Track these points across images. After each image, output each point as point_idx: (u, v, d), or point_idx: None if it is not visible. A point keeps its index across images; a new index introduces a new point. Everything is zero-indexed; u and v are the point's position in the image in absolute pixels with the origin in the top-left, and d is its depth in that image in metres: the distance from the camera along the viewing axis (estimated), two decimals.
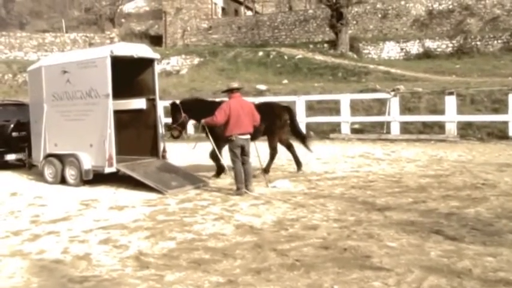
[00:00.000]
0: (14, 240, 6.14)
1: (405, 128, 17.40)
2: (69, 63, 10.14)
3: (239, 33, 39.07)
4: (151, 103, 10.62)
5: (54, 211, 7.68)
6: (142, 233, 6.29)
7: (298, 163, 10.65)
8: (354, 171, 10.71)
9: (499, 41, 29.80)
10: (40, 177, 10.58)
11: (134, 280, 4.72)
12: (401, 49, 31.76)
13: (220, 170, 10.12)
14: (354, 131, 18.09)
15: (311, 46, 32.98)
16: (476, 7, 32.74)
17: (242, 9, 45.73)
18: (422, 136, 16.61)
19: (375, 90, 19.55)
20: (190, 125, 14.93)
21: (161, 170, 9.82)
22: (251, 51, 32.02)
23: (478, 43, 30.15)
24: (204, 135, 9.75)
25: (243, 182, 8.53)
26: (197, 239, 5.95)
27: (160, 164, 10.11)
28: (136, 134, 10.68)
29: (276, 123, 10.22)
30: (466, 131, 16.53)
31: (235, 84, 8.85)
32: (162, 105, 10.90)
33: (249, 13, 44.37)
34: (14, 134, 12.80)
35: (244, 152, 8.58)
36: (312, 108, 19.76)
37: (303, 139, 10.88)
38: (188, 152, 10.84)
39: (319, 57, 29.70)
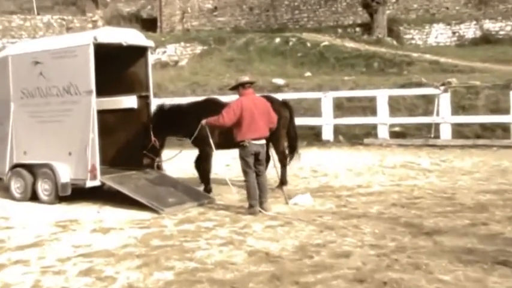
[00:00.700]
0: None
1: (458, 131, 17.28)
2: (42, 52, 10.23)
3: (251, 15, 39.22)
4: (144, 101, 10.68)
5: (22, 235, 7.70)
6: (132, 261, 6.29)
7: (283, 180, 10.60)
8: (395, 185, 10.68)
9: None
10: (5, 192, 10.64)
11: None
12: (454, 33, 31.60)
13: (208, 189, 10.26)
14: (394, 135, 18.02)
15: (339, 31, 32.96)
16: None
17: None
18: (481, 141, 16.48)
19: (419, 85, 19.45)
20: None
21: (156, 184, 9.84)
22: (266, 37, 32.10)
23: None
24: (188, 139, 9.93)
25: (257, 199, 8.51)
26: (200, 268, 5.95)
27: (155, 176, 10.14)
28: (125, 140, 10.75)
29: (278, 122, 10.24)
30: None
31: (246, 78, 8.86)
32: (157, 103, 10.93)
33: None
34: None
35: (258, 161, 8.58)
36: (341, 107, 19.72)
37: (293, 144, 10.93)
38: (189, 159, 10.85)
39: (349, 44, 29.66)
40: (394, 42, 30.78)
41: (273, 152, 10.19)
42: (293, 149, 10.91)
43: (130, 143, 10.64)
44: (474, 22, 31.36)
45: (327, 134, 18.53)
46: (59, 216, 8.81)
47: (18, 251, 6.92)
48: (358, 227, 7.50)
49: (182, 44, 33.58)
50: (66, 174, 9.74)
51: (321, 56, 28.46)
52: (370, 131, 18.37)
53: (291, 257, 6.23)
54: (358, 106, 19.83)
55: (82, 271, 6.02)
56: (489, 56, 26.86)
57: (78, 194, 9.91)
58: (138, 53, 10.60)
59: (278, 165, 10.45)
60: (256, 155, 8.51)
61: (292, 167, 11.22)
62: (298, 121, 19.17)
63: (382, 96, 18.07)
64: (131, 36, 10.39)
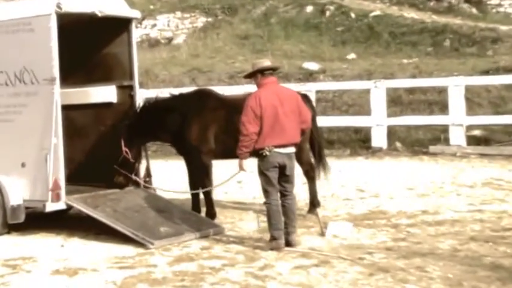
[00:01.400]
0: None
1: None
2: None
3: None
4: (126, 93, 10.72)
5: None
6: None
7: (313, 200, 10.69)
8: (475, 211, 10.58)
9: None
10: None
11: None
12: None
13: (211, 215, 10.40)
14: (473, 140, 17.91)
15: None
16: None
17: None
18: None
19: (510, 71, 19.31)
20: None
21: (142, 207, 9.86)
22: (293, 4, 32.15)
23: None
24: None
25: (281, 228, 8.49)
26: None
27: (142, 197, 10.16)
28: (100, 146, 10.79)
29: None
30: None
31: (266, 62, 8.84)
32: (144, 96, 11.00)
33: None
34: None
35: (285, 177, 8.56)
36: (398, 101, 19.67)
37: (320, 151, 11.03)
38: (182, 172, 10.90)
39: (410, 13, 29.56)
40: (474, 11, 30.59)
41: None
42: (321, 158, 10.98)
43: (107, 150, 10.60)
44: None
45: (379, 139, 18.47)
46: (8, 252, 8.79)
47: None
48: (423, 269, 7.40)
49: (178, 14, 33.70)
50: (18, 193, 9.76)
51: (370, 30, 28.43)
52: (439, 135, 18.27)
53: None
54: (422, 100, 19.77)
55: None
56: None
57: (35, 221, 9.95)
58: (118, 26, 10.64)
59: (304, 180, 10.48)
60: (282, 169, 8.48)
61: (330, 184, 11.19)
62: (339, 121, 19.59)
63: (456, 86, 17.97)
64: (108, 4, 10.42)
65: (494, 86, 18.91)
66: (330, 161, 11.51)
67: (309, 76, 22.50)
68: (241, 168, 8.61)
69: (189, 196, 10.73)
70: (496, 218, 10.04)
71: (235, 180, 11.79)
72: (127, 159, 10.25)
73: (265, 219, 8.87)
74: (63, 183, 9.54)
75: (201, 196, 10.58)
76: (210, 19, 32.95)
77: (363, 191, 12.84)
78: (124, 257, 8.34)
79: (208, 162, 10.26)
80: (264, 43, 28.56)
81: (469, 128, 17.98)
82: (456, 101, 17.81)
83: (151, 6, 34.37)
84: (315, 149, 10.93)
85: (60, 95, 9.63)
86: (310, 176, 10.70)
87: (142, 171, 10.79)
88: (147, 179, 10.70)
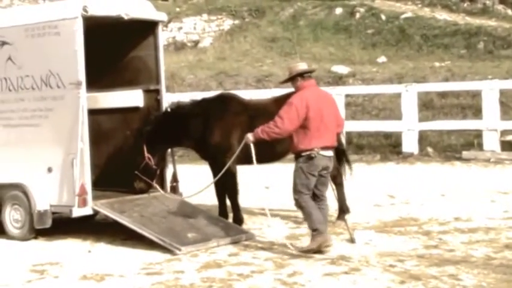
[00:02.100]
0: None
1: None
2: (11, 28, 10.40)
3: None
4: (153, 97, 10.80)
5: None
6: None
7: (342, 206, 10.71)
8: (510, 218, 10.53)
9: None
10: None
11: None
12: None
13: (238, 220, 10.45)
14: (508, 145, 17.75)
15: None
16: None
17: None
18: None
19: None
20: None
21: (169, 213, 9.92)
22: (322, 6, 32.14)
23: None
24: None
25: (323, 222, 8.54)
26: None
27: (169, 203, 10.22)
28: (126, 151, 10.83)
29: None
30: None
31: (304, 65, 8.89)
32: (170, 100, 11.04)
33: None
34: None
35: (323, 179, 8.64)
36: (429, 105, 19.59)
37: (345, 156, 11.08)
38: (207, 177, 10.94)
39: (442, 15, 29.43)
40: (509, 12, 30.37)
41: None
42: (347, 161, 11.04)
43: (133, 155, 10.61)
44: None
45: (410, 145, 18.39)
46: (36, 258, 8.89)
47: None
48: (456, 277, 7.37)
49: (205, 16, 33.76)
50: (44, 198, 9.85)
51: (401, 33, 28.33)
52: (472, 140, 18.16)
53: None
54: (454, 104, 19.66)
55: None
56: None
57: (62, 226, 10.05)
58: (145, 30, 10.73)
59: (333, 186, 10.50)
60: (323, 171, 8.58)
61: (359, 190, 11.18)
62: (369, 126, 19.53)
63: (490, 90, 17.84)
64: (135, 7, 10.48)
65: None
66: (360, 166, 11.52)
67: (338, 80, 22.48)
68: (247, 139, 8.75)
69: (216, 202, 10.78)
70: None
71: (263, 185, 11.87)
72: (149, 166, 10.32)
73: (295, 224, 8.86)
74: (90, 188, 9.62)
75: (228, 202, 10.64)
76: (237, 22, 32.97)
77: (393, 197, 12.81)
78: (151, 263, 8.41)
79: (233, 167, 10.26)
80: (292, 46, 28.54)
81: (504, 133, 17.83)
82: (490, 105, 17.68)
83: (178, 9, 34.48)
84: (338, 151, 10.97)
85: (87, 99, 9.72)
86: (338, 181, 10.69)
87: (169, 176, 10.87)
88: (174, 184, 10.75)
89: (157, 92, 10.79)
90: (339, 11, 31.20)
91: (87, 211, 9.64)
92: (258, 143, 8.81)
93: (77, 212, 9.55)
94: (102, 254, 9.07)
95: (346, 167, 11.01)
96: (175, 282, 7.53)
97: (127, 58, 11.02)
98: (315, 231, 8.49)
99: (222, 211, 10.57)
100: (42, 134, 10.03)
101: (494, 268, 7.70)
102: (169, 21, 30.40)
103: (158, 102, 10.76)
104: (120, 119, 11.07)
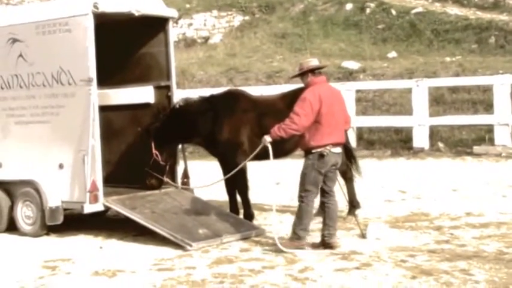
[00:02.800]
0: None
1: None
2: (22, 25, 10.45)
3: None
4: (164, 94, 10.83)
5: None
6: None
7: (353, 201, 10.73)
8: None
9: None
10: None
11: None
12: None
13: (249, 215, 10.48)
14: None
15: None
16: None
17: None
18: None
19: None
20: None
21: (181, 209, 9.96)
22: (332, 2, 32.04)
23: None
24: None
25: (309, 230, 8.61)
26: None
27: (180, 199, 10.26)
28: (137, 147, 10.87)
29: None
30: None
31: (315, 62, 8.89)
32: (180, 97, 11.05)
33: None
34: None
35: (331, 174, 8.66)
36: (440, 100, 19.53)
37: (351, 152, 11.10)
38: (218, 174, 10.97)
39: (453, 10, 29.32)
40: None
41: None
42: (353, 158, 11.09)
43: (144, 151, 10.65)
44: None
45: (421, 140, 18.35)
46: (47, 254, 8.94)
47: None
48: (468, 272, 7.38)
49: (215, 13, 33.75)
50: (56, 195, 9.89)
51: (411, 28, 28.22)
52: (484, 135, 18.12)
53: None
54: (465, 99, 19.60)
55: None
56: None
57: (74, 222, 10.10)
58: (156, 26, 10.76)
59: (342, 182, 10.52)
60: (333, 167, 8.60)
61: (370, 185, 11.18)
62: (380, 121, 19.51)
63: (501, 84, 17.79)
64: (145, 3, 10.51)
65: None
66: (371, 161, 11.51)
67: (349, 75, 22.42)
68: (264, 142, 8.67)
69: (226, 198, 10.80)
70: None
71: (273, 181, 11.90)
72: (157, 162, 10.35)
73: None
74: (101, 184, 9.66)
75: (239, 198, 10.67)
76: (247, 18, 32.96)
77: (404, 193, 12.83)
78: (163, 259, 8.45)
79: (244, 165, 10.29)
80: (302, 42, 28.51)
81: None
82: (502, 99, 17.63)
83: (188, 5, 34.47)
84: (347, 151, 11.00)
85: (98, 96, 9.75)
86: (348, 176, 10.71)
87: (179, 173, 10.90)
88: (185, 181, 10.79)
89: (168, 88, 10.82)
90: (349, 6, 31.10)
91: (98, 207, 9.69)
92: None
93: (88, 208, 9.60)
94: (113, 250, 9.10)
95: (354, 166, 11.03)
96: (186, 278, 7.56)
97: (138, 54, 11.05)
98: (295, 234, 8.56)
99: (233, 207, 10.60)
100: (54, 130, 10.08)
101: (506, 263, 7.71)
102: (179, 18, 30.38)
103: (169, 98, 10.78)
104: (131, 115, 11.10)
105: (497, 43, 25.53)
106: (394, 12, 29.60)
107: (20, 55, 10.43)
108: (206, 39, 32.44)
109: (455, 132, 18.67)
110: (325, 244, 8.61)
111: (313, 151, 8.45)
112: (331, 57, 24.80)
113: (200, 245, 8.89)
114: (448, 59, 23.45)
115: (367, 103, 20.79)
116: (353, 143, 16.61)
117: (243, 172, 10.32)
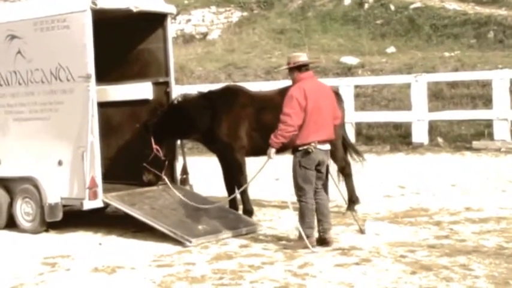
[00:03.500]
0: None
1: None
2: (21, 22, 10.44)
3: None
4: (162, 90, 10.83)
5: None
6: None
7: (352, 197, 10.75)
8: None
9: None
10: None
11: None
12: None
13: (248, 212, 10.47)
14: None
15: None
16: None
17: None
18: None
19: None
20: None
21: (180, 205, 9.94)
22: None
23: None
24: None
25: (314, 227, 8.56)
26: None
27: (179, 195, 10.25)
28: (136, 143, 10.86)
29: None
30: None
31: (302, 57, 8.80)
32: (179, 93, 11.05)
33: None
34: None
35: (319, 173, 8.60)
36: (439, 96, 19.50)
37: (351, 146, 11.24)
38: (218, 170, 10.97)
39: (451, 5, 29.30)
40: None
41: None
42: (356, 152, 11.16)
43: (143, 148, 10.63)
44: None
45: (419, 135, 18.33)
46: (47, 251, 8.95)
47: None
48: (467, 267, 7.38)
49: (213, 8, 33.70)
50: (55, 191, 9.90)
51: (410, 23, 28.20)
52: (483, 130, 18.09)
53: None
54: (464, 94, 19.58)
55: None
56: None
57: (73, 219, 10.10)
58: (154, 22, 10.76)
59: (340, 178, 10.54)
60: (318, 166, 8.53)
61: (369, 181, 11.19)
62: (378, 117, 19.50)
63: (500, 79, 17.75)
64: None
65: None
66: (370, 157, 11.51)
67: (347, 71, 22.41)
68: (270, 156, 8.58)
69: (225, 193, 10.80)
70: None
71: (272, 177, 11.91)
72: (158, 157, 10.33)
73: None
74: (100, 181, 9.67)
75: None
76: (245, 13, 32.93)
77: (403, 188, 12.84)
78: (162, 255, 8.46)
79: (241, 159, 10.33)
80: (300, 37, 28.48)
81: None
82: (501, 94, 17.60)
83: (186, 1, 34.40)
84: (345, 142, 11.02)
85: (96, 92, 9.75)
86: (346, 172, 10.73)
87: (179, 168, 10.91)
88: (184, 177, 10.80)
89: (166, 84, 10.83)
90: (347, 1, 31.06)
91: (97, 204, 9.70)
92: (262, 135, 8.80)
93: (88, 205, 9.61)
94: (113, 247, 9.11)
95: (356, 158, 11.07)
96: (186, 274, 7.56)
97: (136, 51, 11.05)
98: (303, 234, 8.49)
99: (232, 203, 10.59)
100: (52, 127, 10.08)
101: (506, 258, 7.70)
102: (177, 14, 30.28)
103: (167, 94, 10.79)
104: (130, 111, 11.10)
105: (496, 38, 25.51)
106: (392, 7, 29.57)
107: (19, 52, 10.42)
108: (204, 35, 32.41)
109: (455, 127, 18.65)
110: (321, 240, 8.60)
111: (300, 148, 8.42)
112: (329, 53, 24.80)
113: (199, 241, 8.90)
114: (446, 54, 23.44)
115: (365, 98, 20.78)
116: (352, 138, 16.63)
117: (241, 169, 10.33)
